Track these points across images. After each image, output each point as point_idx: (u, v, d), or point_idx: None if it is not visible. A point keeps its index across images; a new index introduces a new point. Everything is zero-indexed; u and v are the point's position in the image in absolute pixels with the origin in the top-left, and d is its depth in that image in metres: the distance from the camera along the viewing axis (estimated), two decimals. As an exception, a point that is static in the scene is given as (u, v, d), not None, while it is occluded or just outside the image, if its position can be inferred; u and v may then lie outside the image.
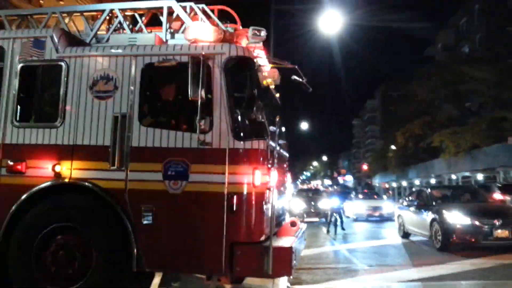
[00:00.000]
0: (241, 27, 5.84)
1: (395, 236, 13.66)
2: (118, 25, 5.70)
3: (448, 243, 10.20)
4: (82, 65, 5.06)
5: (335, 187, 20.17)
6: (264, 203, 4.73)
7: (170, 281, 4.83)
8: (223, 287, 5.18)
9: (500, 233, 9.75)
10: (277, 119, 5.13)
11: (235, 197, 4.54)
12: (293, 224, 5.87)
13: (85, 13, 6.08)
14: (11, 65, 5.19)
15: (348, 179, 76.34)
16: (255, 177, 4.61)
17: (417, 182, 42.49)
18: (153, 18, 6.10)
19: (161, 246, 4.65)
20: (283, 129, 6.39)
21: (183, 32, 5.74)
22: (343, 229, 15.19)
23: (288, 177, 6.74)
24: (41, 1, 14.69)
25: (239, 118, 4.82)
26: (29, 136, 5.02)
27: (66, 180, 4.87)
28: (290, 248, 4.63)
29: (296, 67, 5.91)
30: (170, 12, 5.60)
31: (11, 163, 4.98)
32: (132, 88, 4.89)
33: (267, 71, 5.80)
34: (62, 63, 5.09)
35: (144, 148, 4.78)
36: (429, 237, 11.10)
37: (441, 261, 8.91)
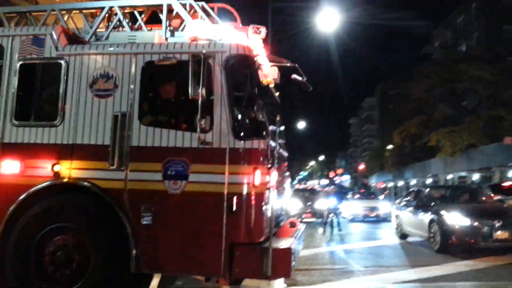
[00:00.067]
0: (240, 25, 5.82)
1: (392, 237, 13.59)
2: (118, 23, 5.67)
3: (447, 245, 10.03)
4: (82, 63, 5.01)
5: (331, 187, 20.11)
6: (264, 203, 4.71)
7: (168, 282, 4.79)
8: (221, 289, 5.16)
9: (500, 234, 9.58)
10: (278, 118, 5.11)
11: (235, 197, 4.51)
12: (292, 224, 5.85)
13: (84, 11, 6.05)
14: (10, 63, 5.13)
15: (345, 179, 76.47)
16: (255, 177, 4.59)
17: (413, 182, 42.61)
18: (153, 16, 6.07)
19: (160, 247, 4.61)
20: (282, 128, 6.37)
21: (183, 30, 5.73)
22: (339, 229, 15.18)
23: (288, 177, 6.72)
24: (38, -1, 14.56)
25: (240, 117, 4.79)
26: (28, 135, 4.98)
27: (65, 179, 4.82)
28: (290, 249, 4.61)
29: (296, 65, 5.88)
30: (170, 9, 5.56)
31: (10, 163, 4.92)
32: (132, 86, 4.85)
33: (267, 70, 5.78)
34: (62, 61, 5.04)
35: (144, 148, 4.74)
36: (427, 239, 10.94)
37: (437, 262, 8.89)
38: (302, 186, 45.34)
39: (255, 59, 5.04)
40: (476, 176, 31.27)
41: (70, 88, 4.99)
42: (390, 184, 53.08)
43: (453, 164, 31.86)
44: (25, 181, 4.85)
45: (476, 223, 9.77)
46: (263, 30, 5.35)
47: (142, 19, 5.87)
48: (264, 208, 4.70)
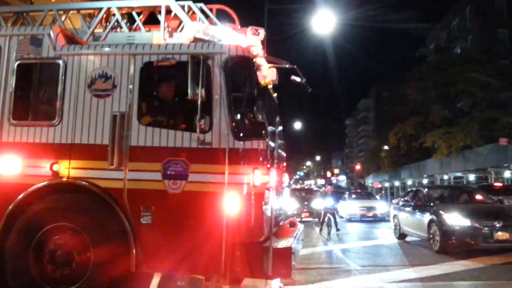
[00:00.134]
0: (239, 27, 5.83)
1: (389, 237, 13.58)
2: (116, 24, 5.65)
3: (446, 245, 9.88)
4: (80, 63, 5.01)
5: (328, 186, 20.12)
6: (263, 203, 4.72)
7: (168, 281, 4.78)
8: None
9: (500, 235, 9.47)
10: (277, 119, 5.13)
11: (235, 197, 4.52)
12: (292, 224, 5.86)
13: (82, 11, 6.03)
14: (7, 62, 5.13)
15: (341, 179, 76.64)
16: (255, 177, 4.60)
17: (409, 182, 42.79)
18: (151, 17, 6.06)
19: (160, 246, 4.61)
20: (280, 128, 6.39)
21: (181, 31, 5.73)
22: (337, 229, 15.18)
23: (286, 177, 6.73)
24: (33, -1, 14.49)
25: (239, 117, 4.80)
26: (26, 135, 4.96)
27: (64, 179, 4.82)
28: (290, 248, 4.63)
29: (295, 66, 5.90)
30: (168, 10, 5.56)
31: (9, 162, 4.91)
32: (131, 86, 4.85)
33: (266, 71, 5.79)
34: (60, 61, 5.04)
35: (143, 148, 4.74)
36: (427, 239, 10.81)
37: (435, 262, 8.91)
38: (299, 186, 45.37)
39: (254, 60, 5.05)
40: (471, 177, 31.45)
41: (68, 88, 4.98)
42: (386, 184, 53.27)
43: (449, 164, 32.03)
44: (23, 180, 4.84)
45: (476, 224, 9.65)
46: (261, 31, 5.37)
47: (140, 20, 5.85)
48: (264, 208, 4.71)
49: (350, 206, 22.40)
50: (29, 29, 5.28)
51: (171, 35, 5.58)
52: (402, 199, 13.90)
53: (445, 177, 34.38)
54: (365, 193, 27.86)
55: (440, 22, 44.15)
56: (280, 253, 4.52)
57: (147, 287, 4.70)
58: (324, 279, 7.32)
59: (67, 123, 4.92)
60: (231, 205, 4.50)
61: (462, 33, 39.45)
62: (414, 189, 14.45)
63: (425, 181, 38.05)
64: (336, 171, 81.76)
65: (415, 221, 11.77)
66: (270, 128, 5.14)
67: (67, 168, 4.82)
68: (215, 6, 6.02)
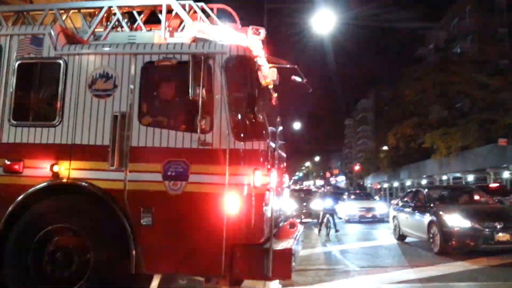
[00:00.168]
0: (240, 26, 5.82)
1: (388, 238, 13.57)
2: (116, 23, 5.64)
3: (447, 247, 9.85)
4: (81, 63, 4.98)
5: (328, 187, 20.11)
6: (264, 204, 4.70)
7: (168, 283, 4.77)
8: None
9: (501, 236, 9.43)
10: (278, 119, 5.11)
11: (235, 198, 4.50)
12: (292, 225, 5.84)
13: (82, 10, 6.01)
14: (8, 62, 5.09)
15: (340, 180, 76.66)
16: (255, 178, 4.58)
17: (408, 182, 42.82)
18: (152, 16, 6.04)
19: (160, 248, 4.59)
20: (281, 128, 6.38)
21: (182, 30, 5.71)
22: (336, 230, 15.16)
23: (286, 178, 6.72)
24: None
25: (240, 118, 4.79)
26: (26, 135, 4.94)
27: (64, 180, 4.79)
28: (290, 250, 4.61)
29: (296, 67, 5.89)
30: (169, 10, 5.54)
31: (8, 163, 4.88)
32: (132, 86, 4.83)
33: (267, 71, 5.77)
34: (60, 61, 5.01)
35: (144, 148, 4.72)
36: (426, 240, 10.78)
37: (433, 263, 8.91)
38: (298, 187, 45.37)
39: (255, 60, 5.04)
40: (470, 177, 31.50)
41: (69, 88, 4.96)
42: (385, 185, 53.29)
43: (448, 165, 32.07)
44: (23, 181, 4.81)
45: (477, 225, 9.63)
46: (262, 31, 5.36)
47: (141, 19, 5.84)
48: (264, 209, 4.70)
49: (349, 207, 22.37)
50: (30, 29, 5.25)
51: (172, 35, 5.57)
52: (402, 200, 13.80)
53: (444, 177, 34.43)
54: (364, 194, 27.87)
55: (439, 22, 44.17)
56: (280, 254, 4.51)
57: (147, 288, 4.69)
58: (322, 280, 7.32)
59: (68, 124, 4.89)
60: (231, 206, 4.49)
61: (462, 33, 39.48)
62: (413, 189, 14.33)
63: (424, 182, 38.10)
64: (335, 172, 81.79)
65: (415, 222, 11.71)
66: (270, 129, 5.12)
67: (67, 169, 4.80)
68: (216, 6, 6.01)
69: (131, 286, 4.73)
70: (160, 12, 5.58)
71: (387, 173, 47.68)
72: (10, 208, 4.70)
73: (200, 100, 4.46)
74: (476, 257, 9.26)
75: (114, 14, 5.62)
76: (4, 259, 4.70)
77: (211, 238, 4.49)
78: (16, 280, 4.66)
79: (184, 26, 5.58)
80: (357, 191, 35.06)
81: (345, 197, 25.23)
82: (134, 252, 4.55)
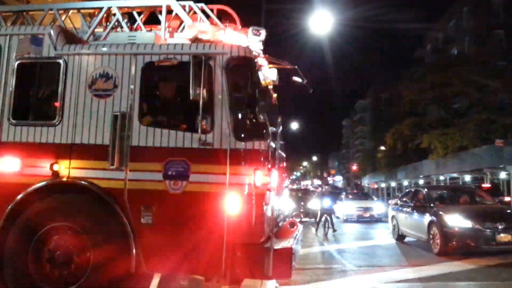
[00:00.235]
0: (240, 27, 5.82)
1: (386, 237, 13.57)
2: (116, 23, 5.64)
3: (447, 247, 9.70)
4: (81, 63, 4.99)
5: (325, 187, 20.12)
6: (264, 204, 4.72)
7: (168, 282, 4.78)
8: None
9: (503, 237, 9.29)
10: (278, 119, 5.13)
11: (236, 197, 4.52)
12: (292, 225, 5.86)
13: (82, 10, 6.00)
14: (7, 62, 5.10)
15: (338, 179, 76.76)
16: (256, 178, 4.60)
17: (405, 182, 42.90)
18: (152, 16, 6.05)
19: (161, 247, 4.60)
20: (281, 128, 6.40)
21: (182, 31, 5.72)
22: (334, 230, 15.17)
23: (285, 178, 6.74)
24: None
25: (240, 118, 4.80)
26: (26, 134, 4.94)
27: (64, 179, 4.80)
28: (291, 249, 4.63)
29: (296, 67, 5.91)
30: (169, 10, 5.55)
31: (8, 162, 4.88)
32: (132, 87, 4.84)
33: (267, 72, 5.79)
34: (60, 61, 5.02)
35: (144, 148, 4.73)
36: (426, 240, 10.63)
37: (431, 262, 8.92)
38: (295, 186, 45.41)
39: (256, 60, 5.06)
40: (467, 178, 31.59)
41: (69, 87, 4.97)
42: (383, 185, 53.38)
43: (445, 165, 32.14)
44: (23, 180, 4.81)
45: (478, 226, 9.49)
46: (263, 32, 5.37)
47: (141, 20, 5.84)
48: (265, 208, 4.71)
49: (347, 207, 22.41)
50: (30, 29, 5.26)
51: (172, 35, 5.58)
52: (401, 200, 13.65)
53: (441, 177, 34.51)
54: (362, 194, 27.89)
55: (437, 23, 44.29)
56: (281, 254, 4.53)
57: (147, 287, 4.70)
58: (320, 279, 7.33)
59: (68, 123, 4.90)
60: (232, 205, 4.50)
61: (459, 34, 39.59)
62: (413, 189, 14.19)
63: (421, 182, 38.17)
64: (332, 171, 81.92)
65: (414, 222, 11.59)
66: (271, 129, 5.14)
67: (67, 168, 4.81)
68: (216, 6, 6.01)
69: (131, 285, 4.73)
70: (160, 12, 5.59)
71: (384, 173, 47.75)
72: (10, 207, 4.71)
73: (201, 100, 4.47)
74: (474, 257, 9.25)
75: (114, 14, 5.62)
76: (4, 258, 4.70)
77: (211, 237, 4.51)
78: (16, 279, 4.66)
79: (184, 26, 5.59)
80: (355, 191, 35.12)
81: (343, 196, 25.27)
82: (134, 251, 4.56)
